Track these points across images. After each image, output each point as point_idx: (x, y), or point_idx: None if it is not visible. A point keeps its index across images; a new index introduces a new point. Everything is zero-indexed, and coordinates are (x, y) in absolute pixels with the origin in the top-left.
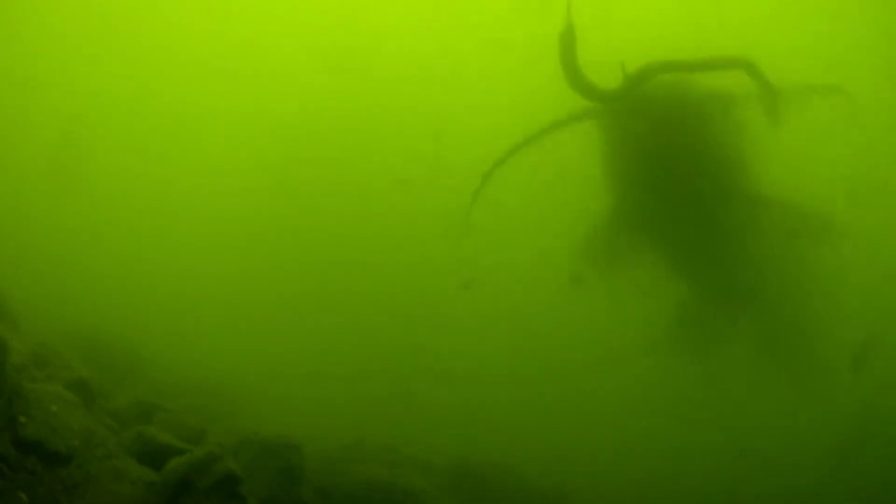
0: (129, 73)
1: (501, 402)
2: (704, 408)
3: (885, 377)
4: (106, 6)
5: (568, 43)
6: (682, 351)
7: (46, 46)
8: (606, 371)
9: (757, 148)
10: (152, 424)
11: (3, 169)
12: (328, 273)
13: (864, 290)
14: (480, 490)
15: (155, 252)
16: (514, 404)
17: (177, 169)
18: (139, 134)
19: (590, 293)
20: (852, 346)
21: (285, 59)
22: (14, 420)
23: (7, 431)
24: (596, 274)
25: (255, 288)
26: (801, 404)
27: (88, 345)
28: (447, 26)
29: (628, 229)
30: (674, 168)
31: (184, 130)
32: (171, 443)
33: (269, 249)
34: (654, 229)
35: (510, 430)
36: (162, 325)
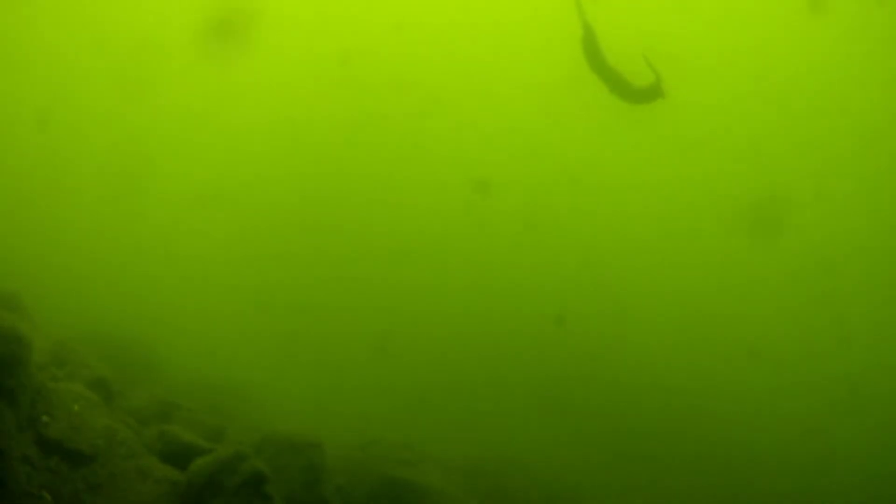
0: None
1: None
2: None
3: None
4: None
5: (591, 43)
6: None
7: None
8: None
9: None
10: (172, 423)
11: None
12: (339, 271)
13: None
14: (497, 488)
15: (169, 250)
16: None
17: (191, 170)
18: (156, 137)
19: None
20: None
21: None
22: (37, 419)
23: (30, 431)
24: None
25: (268, 286)
26: None
27: (103, 343)
28: None
29: None
30: None
31: (201, 135)
32: (194, 441)
33: (281, 248)
34: None
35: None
36: (175, 324)
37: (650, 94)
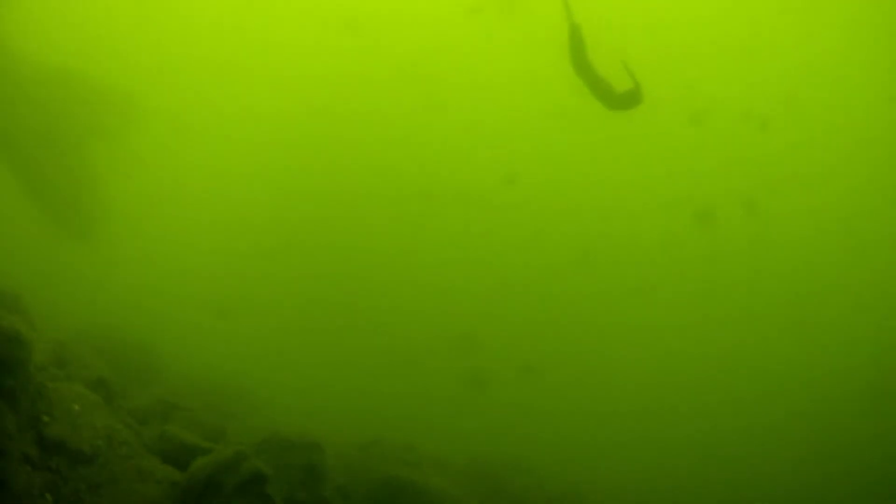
0: None
1: None
2: None
3: None
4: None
5: (577, 45)
6: None
7: None
8: None
9: None
10: (172, 423)
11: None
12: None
13: None
14: (497, 488)
15: (166, 252)
16: None
17: (188, 172)
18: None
19: None
20: None
21: None
22: (37, 419)
23: (31, 431)
24: None
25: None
26: None
27: (103, 343)
28: None
29: None
30: None
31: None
32: (195, 442)
33: (278, 249)
34: None
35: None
36: (173, 325)
37: (629, 100)
